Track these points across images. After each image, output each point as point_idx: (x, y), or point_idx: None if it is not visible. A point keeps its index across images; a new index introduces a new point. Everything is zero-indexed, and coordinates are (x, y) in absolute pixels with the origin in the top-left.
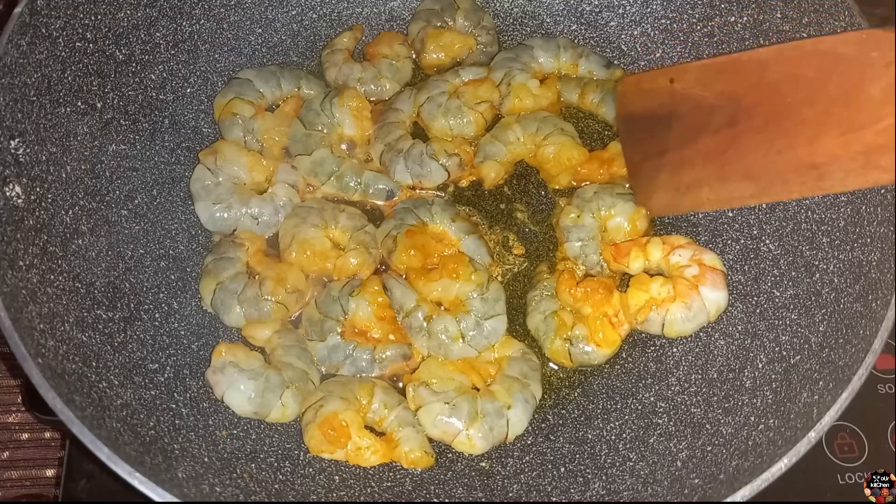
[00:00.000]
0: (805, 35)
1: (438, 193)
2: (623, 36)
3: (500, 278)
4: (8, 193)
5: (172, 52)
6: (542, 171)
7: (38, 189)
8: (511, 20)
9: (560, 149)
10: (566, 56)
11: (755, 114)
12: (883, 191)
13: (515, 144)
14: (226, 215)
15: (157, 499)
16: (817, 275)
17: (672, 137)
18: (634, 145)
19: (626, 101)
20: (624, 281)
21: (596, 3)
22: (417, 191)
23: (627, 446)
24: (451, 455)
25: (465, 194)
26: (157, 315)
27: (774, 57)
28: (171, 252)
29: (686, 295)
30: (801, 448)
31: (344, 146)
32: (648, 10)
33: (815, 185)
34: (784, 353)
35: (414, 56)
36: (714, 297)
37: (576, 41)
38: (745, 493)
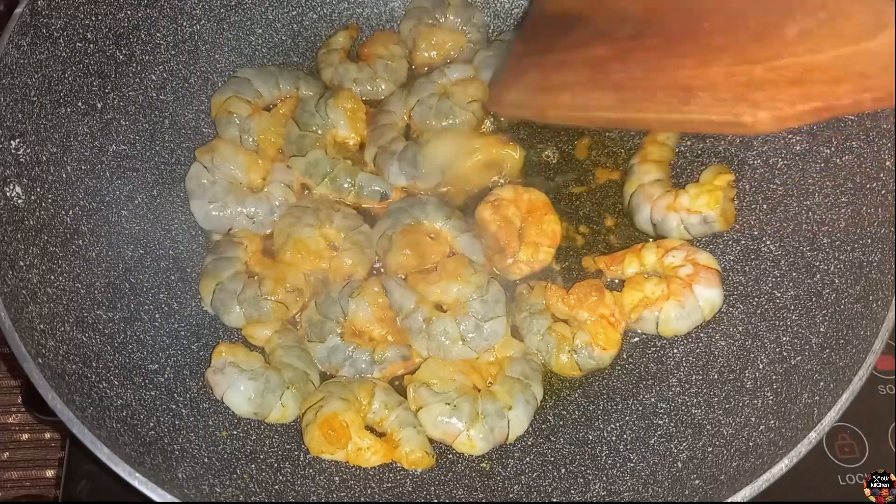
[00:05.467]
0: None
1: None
2: None
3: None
4: (8, 193)
5: (173, 52)
6: None
7: (38, 189)
8: (511, 20)
9: None
10: None
11: (664, 32)
12: (883, 191)
13: None
14: (221, 214)
15: (157, 499)
16: (818, 276)
17: (569, 39)
18: (527, 41)
19: None
20: (617, 286)
21: None
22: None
23: (628, 447)
24: (451, 456)
25: None
26: (157, 315)
27: None
28: (171, 252)
29: (680, 293)
30: (802, 449)
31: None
32: None
33: (678, 107)
34: (785, 353)
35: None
36: (708, 296)
37: None
38: (745, 493)
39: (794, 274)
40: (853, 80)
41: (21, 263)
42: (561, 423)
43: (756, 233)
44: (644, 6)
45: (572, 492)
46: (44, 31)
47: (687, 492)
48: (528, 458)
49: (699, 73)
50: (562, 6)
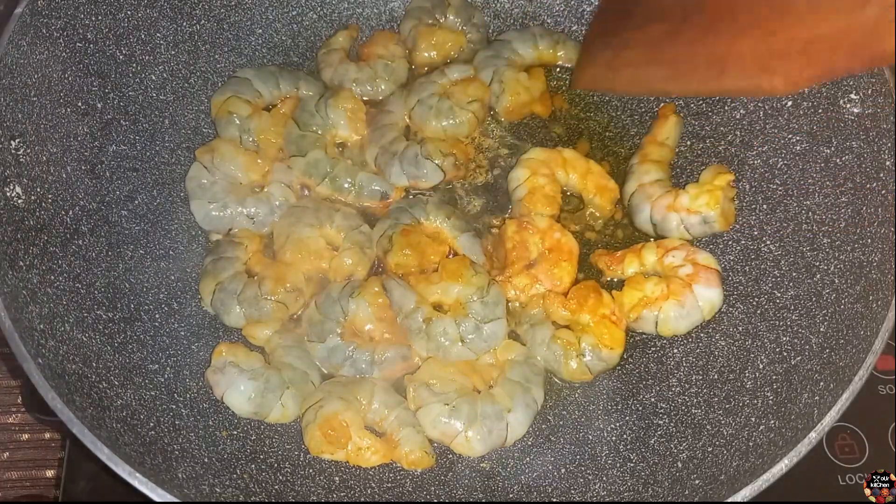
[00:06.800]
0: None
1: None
2: None
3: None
4: (8, 194)
5: (173, 52)
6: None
7: (38, 189)
8: (511, 21)
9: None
10: (543, 44)
11: (707, 11)
12: (883, 191)
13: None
14: (221, 214)
15: (157, 499)
16: (818, 276)
17: (631, 22)
18: (601, 25)
19: None
20: (617, 286)
21: (596, 3)
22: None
23: (628, 447)
24: (451, 456)
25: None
26: (157, 315)
27: None
28: (171, 252)
29: (679, 293)
30: (802, 449)
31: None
32: None
33: (715, 77)
34: (785, 353)
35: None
36: (708, 295)
37: (564, 32)
38: (745, 493)
39: (794, 274)
40: (847, 49)
41: (21, 263)
42: (561, 423)
43: (756, 233)
44: None
45: (572, 492)
46: (44, 31)
47: (687, 492)
48: (528, 459)
49: (730, 47)
50: None
